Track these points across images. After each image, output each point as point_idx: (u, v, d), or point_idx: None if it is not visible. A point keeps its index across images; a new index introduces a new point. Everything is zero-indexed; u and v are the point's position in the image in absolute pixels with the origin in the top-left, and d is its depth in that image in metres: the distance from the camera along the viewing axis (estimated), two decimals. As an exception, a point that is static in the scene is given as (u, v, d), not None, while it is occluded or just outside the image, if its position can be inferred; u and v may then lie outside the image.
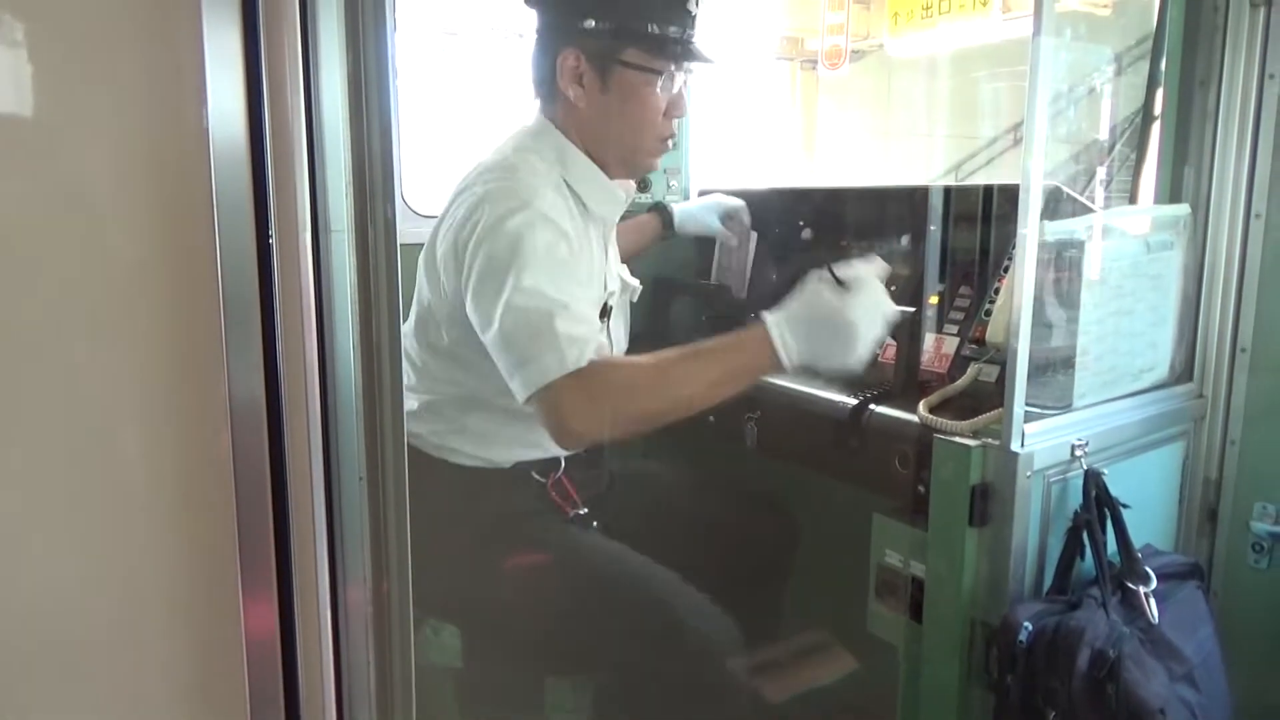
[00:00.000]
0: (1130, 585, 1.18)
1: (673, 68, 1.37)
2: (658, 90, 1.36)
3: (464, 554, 1.36)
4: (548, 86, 1.38)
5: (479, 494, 1.41)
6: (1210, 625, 1.26)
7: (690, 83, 1.44)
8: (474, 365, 1.32)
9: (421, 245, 1.99)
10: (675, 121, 1.42)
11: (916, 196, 1.69)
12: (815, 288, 1.24)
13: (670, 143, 1.43)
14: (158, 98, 0.57)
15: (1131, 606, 1.18)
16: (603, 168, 1.40)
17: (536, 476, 1.42)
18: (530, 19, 1.41)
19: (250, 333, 0.58)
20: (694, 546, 1.50)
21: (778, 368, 1.21)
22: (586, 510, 1.43)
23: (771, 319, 1.22)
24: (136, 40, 0.57)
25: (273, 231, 0.57)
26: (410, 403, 1.42)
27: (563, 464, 1.43)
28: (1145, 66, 1.63)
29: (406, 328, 1.47)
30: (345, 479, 0.63)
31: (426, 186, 2.12)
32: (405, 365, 1.40)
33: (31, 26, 0.54)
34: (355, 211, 0.59)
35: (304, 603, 0.65)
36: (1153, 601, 1.17)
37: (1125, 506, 1.21)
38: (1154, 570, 1.20)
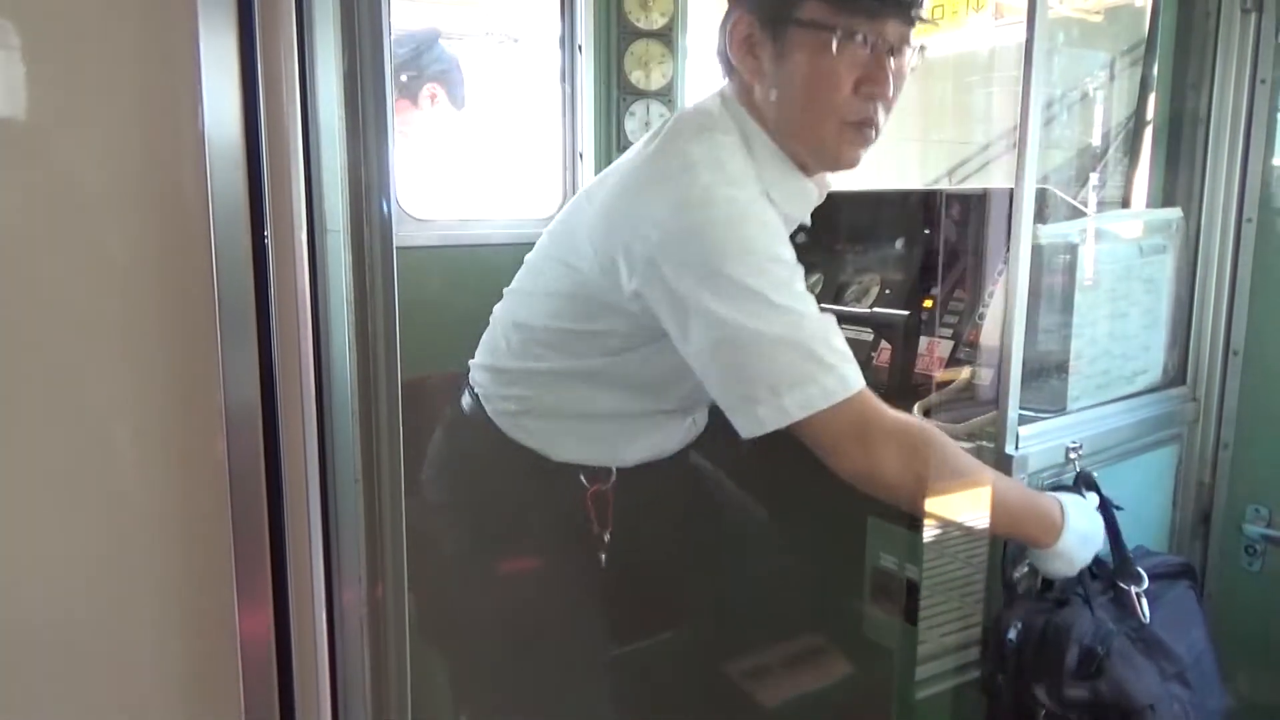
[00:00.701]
0: (1122, 585, 1.19)
1: (864, 27, 1.07)
2: (842, 54, 1.07)
3: (472, 536, 1.30)
4: (725, 63, 1.18)
5: (522, 476, 1.28)
6: (1202, 625, 1.26)
7: (903, 54, 1.13)
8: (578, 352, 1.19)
9: (416, 249, 1.98)
10: (877, 105, 1.11)
11: (911, 200, 1.70)
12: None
13: (871, 131, 1.13)
14: (153, 98, 0.57)
15: (1122, 606, 1.18)
16: (793, 159, 1.17)
17: (583, 480, 1.27)
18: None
19: (245, 333, 0.58)
20: (712, 566, 1.47)
21: (1045, 543, 1.12)
22: (610, 535, 1.29)
23: (1068, 498, 1.16)
24: (132, 42, 0.57)
25: (268, 231, 0.57)
26: (501, 368, 1.29)
27: (614, 475, 1.28)
28: (1138, 71, 1.64)
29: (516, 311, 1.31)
30: (341, 480, 0.63)
31: (423, 191, 2.13)
32: (490, 330, 1.31)
33: (26, 29, 0.54)
34: (351, 211, 0.59)
35: (299, 605, 0.65)
36: (1144, 601, 1.18)
37: (1118, 508, 1.22)
38: (1146, 570, 1.21)
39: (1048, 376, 1.30)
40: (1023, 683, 1.15)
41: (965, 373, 1.40)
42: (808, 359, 1.01)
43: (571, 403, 1.24)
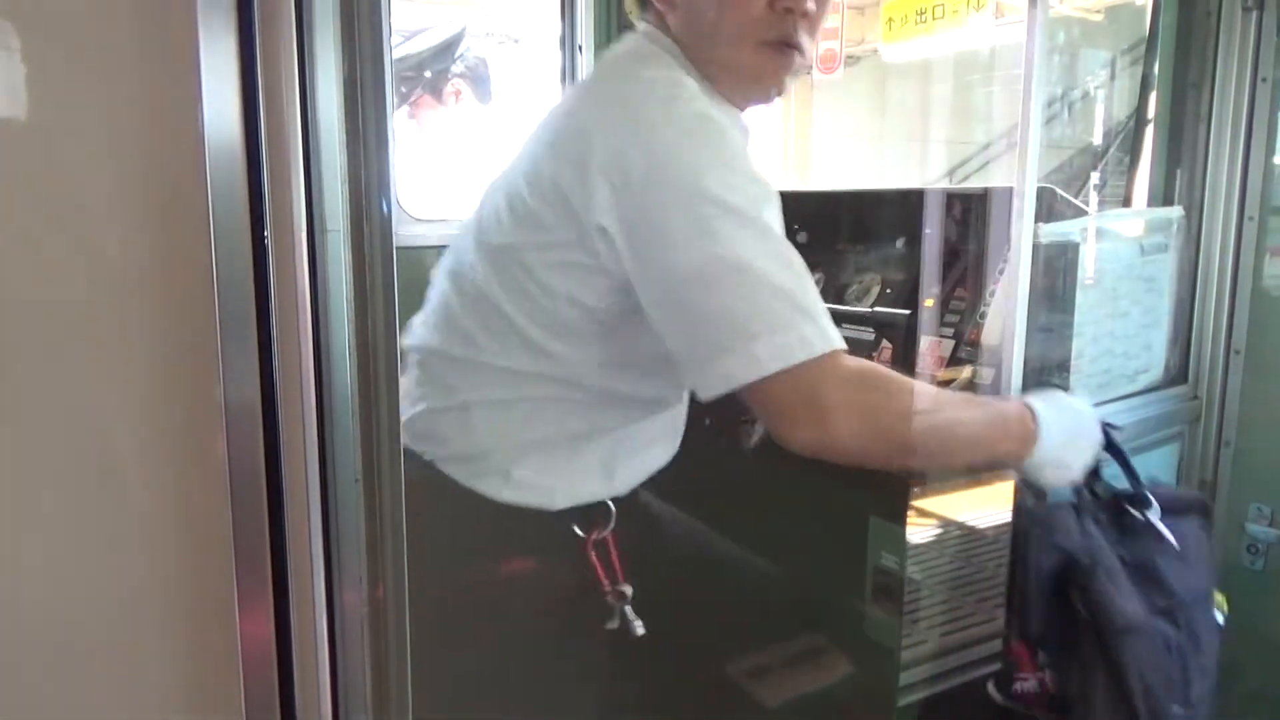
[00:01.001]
0: (1132, 510, 1.11)
1: None
2: None
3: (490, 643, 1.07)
4: (639, 1, 1.08)
5: (506, 544, 1.08)
6: (1207, 567, 1.17)
7: None
8: (575, 338, 1.00)
9: (416, 249, 1.98)
10: (796, 22, 0.99)
11: (912, 200, 1.70)
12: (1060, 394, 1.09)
13: (796, 55, 1.01)
14: (152, 98, 0.57)
15: (1122, 529, 1.11)
16: (721, 95, 1.05)
17: (578, 531, 1.08)
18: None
19: (245, 333, 0.58)
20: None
21: (1022, 455, 1.01)
22: (629, 589, 1.10)
23: (1035, 398, 1.05)
24: (131, 42, 0.57)
25: (268, 231, 0.57)
26: (420, 410, 1.08)
27: (614, 516, 1.09)
28: (1139, 70, 1.64)
29: (428, 326, 1.13)
30: (341, 481, 0.63)
31: (428, 189, 2.13)
32: (420, 369, 1.11)
33: (25, 31, 0.54)
34: (350, 211, 0.59)
35: (300, 606, 0.65)
36: (1152, 527, 1.09)
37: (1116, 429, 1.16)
38: (1156, 498, 1.13)
39: (1049, 375, 1.30)
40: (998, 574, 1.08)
41: (966, 372, 1.40)
42: (786, 301, 0.87)
43: (559, 427, 1.06)
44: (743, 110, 1.08)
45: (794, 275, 0.89)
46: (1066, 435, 1.04)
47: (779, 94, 1.07)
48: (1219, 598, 1.19)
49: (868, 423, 0.92)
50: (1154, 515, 1.11)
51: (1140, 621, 1.05)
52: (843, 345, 0.90)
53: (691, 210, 0.87)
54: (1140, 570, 1.09)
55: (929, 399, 0.98)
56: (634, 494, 1.17)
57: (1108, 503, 1.13)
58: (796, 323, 0.87)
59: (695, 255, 0.87)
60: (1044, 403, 1.05)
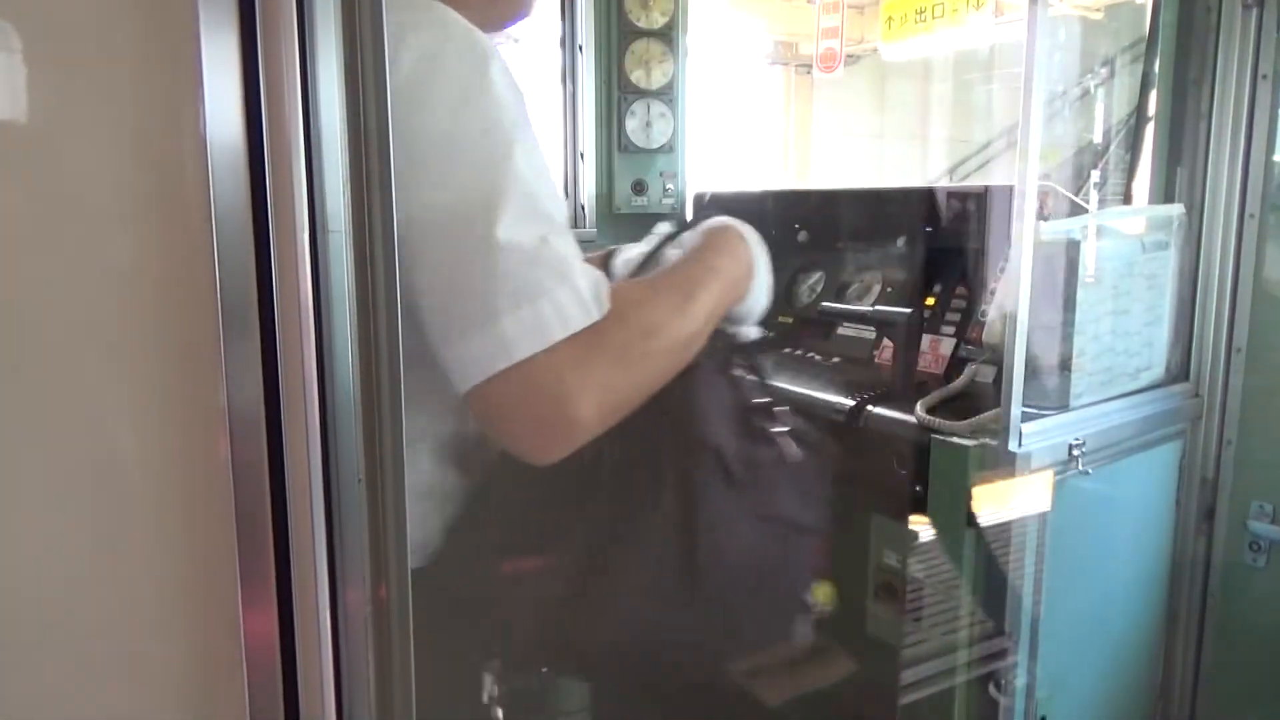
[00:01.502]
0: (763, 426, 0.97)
1: None
2: None
3: None
4: None
5: None
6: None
7: None
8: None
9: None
10: None
11: (912, 198, 1.70)
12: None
13: None
14: (154, 100, 0.57)
15: (749, 432, 0.96)
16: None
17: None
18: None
19: (248, 335, 0.58)
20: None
21: (752, 279, 0.89)
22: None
23: (722, 219, 0.92)
24: (133, 44, 0.57)
25: (270, 232, 0.57)
26: None
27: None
28: (1139, 68, 1.64)
29: None
30: (344, 481, 0.63)
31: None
32: None
33: (26, 31, 0.54)
34: (352, 212, 0.59)
35: (303, 606, 0.65)
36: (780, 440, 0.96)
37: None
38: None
39: (1050, 373, 1.30)
40: None
41: (968, 370, 1.40)
42: (535, 260, 0.68)
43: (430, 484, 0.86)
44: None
45: (542, 222, 0.70)
46: (760, 246, 0.91)
47: (526, 14, 0.91)
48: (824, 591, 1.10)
49: (631, 386, 0.74)
50: (780, 428, 0.98)
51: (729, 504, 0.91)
52: (603, 309, 0.71)
53: (455, 145, 0.71)
54: (751, 470, 0.95)
55: (673, 298, 0.80)
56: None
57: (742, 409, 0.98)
58: (548, 287, 0.68)
59: (444, 207, 0.69)
60: (729, 221, 0.92)
